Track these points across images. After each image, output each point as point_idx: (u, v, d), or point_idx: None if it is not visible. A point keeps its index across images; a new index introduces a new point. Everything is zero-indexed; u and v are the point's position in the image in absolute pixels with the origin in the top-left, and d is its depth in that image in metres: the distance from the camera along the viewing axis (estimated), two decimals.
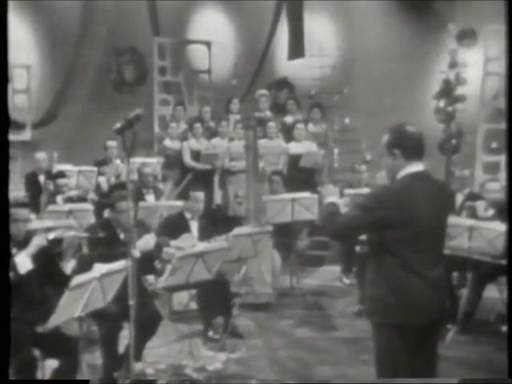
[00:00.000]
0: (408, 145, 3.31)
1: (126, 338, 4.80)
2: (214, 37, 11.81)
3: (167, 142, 9.63)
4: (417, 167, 3.33)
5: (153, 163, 8.76)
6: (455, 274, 6.55)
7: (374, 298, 3.33)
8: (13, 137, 10.22)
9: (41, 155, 9.25)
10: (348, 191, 6.26)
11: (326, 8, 11.59)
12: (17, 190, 8.21)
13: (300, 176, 8.82)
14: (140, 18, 10.89)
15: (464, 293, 6.22)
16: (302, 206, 7.07)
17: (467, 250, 5.79)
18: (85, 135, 10.18)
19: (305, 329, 6.49)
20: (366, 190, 5.98)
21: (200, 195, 6.19)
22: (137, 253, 4.87)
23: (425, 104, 10.26)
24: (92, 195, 8.07)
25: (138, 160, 9.10)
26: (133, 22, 10.80)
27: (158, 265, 5.29)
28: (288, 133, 9.42)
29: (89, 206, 7.04)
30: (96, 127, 10.12)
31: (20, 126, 10.11)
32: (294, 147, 9.14)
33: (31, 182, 9.01)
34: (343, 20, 11.74)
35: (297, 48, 11.64)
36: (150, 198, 8.08)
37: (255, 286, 7.05)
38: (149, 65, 11.15)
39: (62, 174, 7.97)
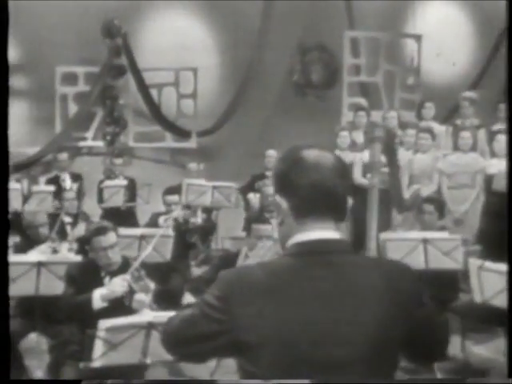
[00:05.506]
0: (301, 189, 1.60)
1: None
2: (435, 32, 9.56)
3: None
4: (319, 233, 1.60)
5: None
6: None
7: None
8: (178, 145, 9.54)
9: (192, 166, 8.16)
10: None
11: None
12: None
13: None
14: (329, 10, 9.17)
15: None
16: (439, 249, 4.65)
17: None
18: (259, 145, 8.76)
19: None
20: None
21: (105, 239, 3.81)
22: (98, 302, 3.53)
23: None
24: (196, 219, 6.51)
25: None
26: (320, 15, 9.13)
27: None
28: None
29: (169, 232, 5.42)
30: (276, 135, 8.71)
31: (185, 134, 9.15)
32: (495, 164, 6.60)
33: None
34: None
35: None
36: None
37: None
38: (339, 63, 9.35)
39: (172, 190, 6.66)
